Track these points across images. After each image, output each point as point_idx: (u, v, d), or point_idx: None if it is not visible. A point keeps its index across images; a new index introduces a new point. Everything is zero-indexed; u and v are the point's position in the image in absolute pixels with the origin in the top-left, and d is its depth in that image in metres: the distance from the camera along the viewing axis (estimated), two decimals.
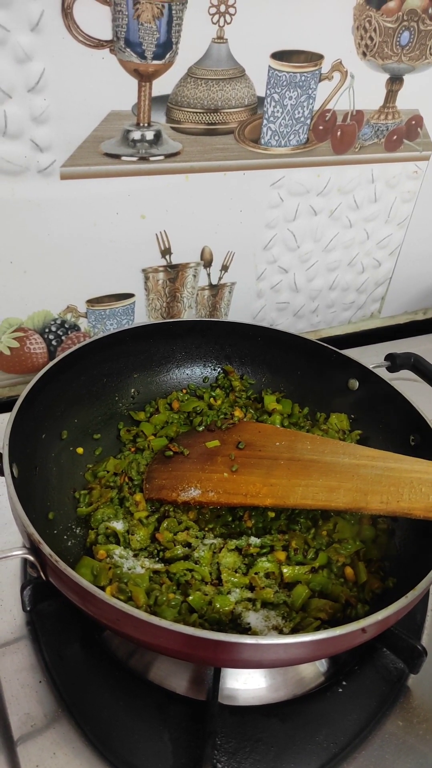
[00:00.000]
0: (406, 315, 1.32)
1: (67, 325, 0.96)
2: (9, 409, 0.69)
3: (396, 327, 1.32)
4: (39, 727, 0.60)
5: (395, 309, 1.29)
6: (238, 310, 1.09)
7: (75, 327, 0.97)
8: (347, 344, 1.22)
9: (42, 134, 0.77)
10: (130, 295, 0.98)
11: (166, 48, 0.77)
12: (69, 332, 0.97)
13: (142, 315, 1.01)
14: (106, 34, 0.74)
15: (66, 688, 0.62)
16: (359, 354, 1.16)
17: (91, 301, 0.95)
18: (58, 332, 0.96)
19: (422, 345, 1.25)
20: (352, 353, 0.87)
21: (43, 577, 0.57)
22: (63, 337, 0.96)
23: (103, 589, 0.60)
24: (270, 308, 1.13)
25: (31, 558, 0.56)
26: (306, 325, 1.20)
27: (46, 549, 0.53)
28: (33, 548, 0.55)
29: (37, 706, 0.61)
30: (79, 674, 0.63)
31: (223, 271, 1.03)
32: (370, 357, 0.98)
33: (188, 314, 1.05)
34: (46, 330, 0.94)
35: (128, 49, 0.75)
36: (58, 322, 0.94)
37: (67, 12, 0.70)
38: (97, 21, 0.72)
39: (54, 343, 0.96)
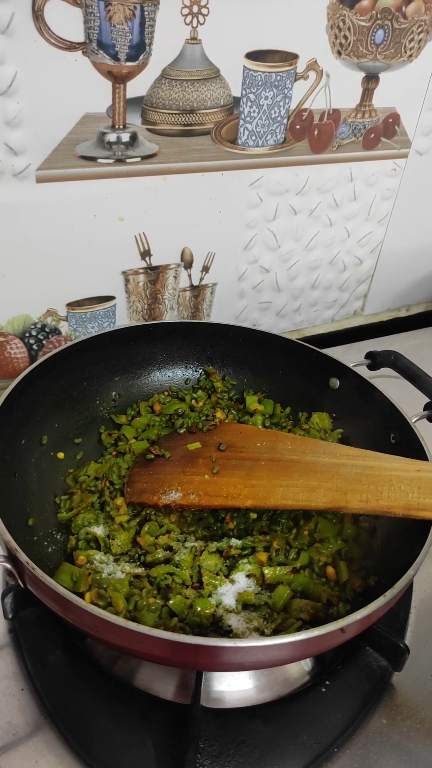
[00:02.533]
0: (389, 312, 1.33)
1: (47, 329, 0.95)
2: None
3: (379, 324, 1.32)
4: (21, 736, 0.59)
5: (378, 306, 1.30)
6: (220, 311, 1.09)
7: (56, 331, 0.96)
8: (331, 343, 1.23)
9: (16, 138, 0.76)
10: (111, 298, 0.97)
11: (140, 49, 0.77)
12: (50, 336, 0.96)
13: (123, 317, 1.00)
14: (79, 36, 0.73)
15: (48, 696, 0.62)
16: (343, 352, 1.17)
17: (72, 305, 0.95)
18: (39, 336, 0.95)
19: (405, 342, 1.25)
20: (336, 352, 0.87)
21: (21, 585, 0.56)
22: (44, 341, 0.96)
23: (81, 595, 0.59)
24: (252, 308, 1.12)
25: (8, 566, 0.55)
26: (289, 324, 1.20)
27: (23, 557, 0.53)
28: (10, 556, 0.55)
29: (19, 715, 0.61)
30: (61, 681, 0.63)
31: (204, 272, 1.03)
32: (354, 355, 0.98)
33: (170, 316, 1.05)
34: (27, 334, 0.94)
35: (101, 51, 0.75)
36: (39, 326, 0.94)
37: (37, 14, 0.70)
38: (69, 23, 0.72)
39: (35, 347, 0.96)
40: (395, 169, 1.08)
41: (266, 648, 0.50)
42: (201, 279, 1.03)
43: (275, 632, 0.61)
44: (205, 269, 1.02)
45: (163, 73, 0.80)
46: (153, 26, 0.76)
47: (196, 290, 1.04)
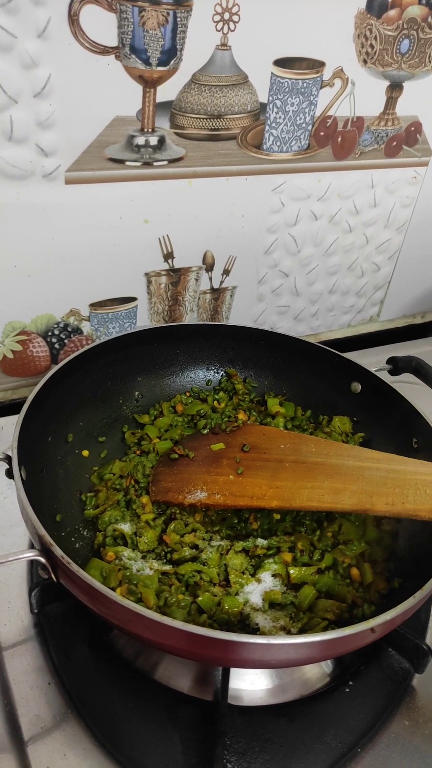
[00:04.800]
0: (404, 318, 1.34)
1: (69, 329, 0.96)
2: (11, 412, 0.70)
3: (394, 330, 1.33)
4: (49, 728, 0.60)
5: (394, 313, 1.30)
6: (239, 314, 1.10)
7: (78, 330, 0.97)
8: (346, 347, 1.23)
9: (47, 139, 0.77)
10: (133, 299, 0.98)
11: (171, 55, 0.78)
12: (71, 336, 0.97)
13: (144, 318, 1.01)
14: (112, 40, 0.74)
15: (75, 690, 0.62)
16: (359, 357, 1.16)
17: (94, 305, 0.96)
18: (61, 336, 0.96)
19: (421, 348, 1.26)
20: (352, 356, 0.88)
21: (54, 579, 0.57)
22: (66, 341, 0.97)
23: (113, 590, 0.60)
24: (270, 312, 1.13)
25: (42, 560, 0.56)
26: (306, 328, 1.21)
27: (57, 551, 0.54)
28: (44, 550, 0.56)
29: (46, 708, 0.61)
30: (87, 675, 0.63)
31: (224, 275, 1.04)
32: (370, 360, 0.99)
33: (190, 318, 1.06)
34: (49, 333, 0.95)
35: (133, 56, 0.76)
36: (61, 325, 0.95)
37: (73, 19, 0.71)
38: (103, 28, 0.73)
39: (57, 346, 0.97)
40: (416, 177, 1.09)
41: (298, 646, 0.50)
42: (221, 282, 1.04)
43: (301, 631, 0.62)
44: (226, 272, 1.03)
45: (192, 78, 0.81)
46: (185, 32, 0.77)
47: (216, 293, 1.05)
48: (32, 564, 0.74)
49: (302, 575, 0.66)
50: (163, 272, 0.98)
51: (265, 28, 0.82)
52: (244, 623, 0.62)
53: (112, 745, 0.58)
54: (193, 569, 0.65)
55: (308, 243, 1.07)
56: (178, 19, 0.76)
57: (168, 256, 0.96)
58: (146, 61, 0.77)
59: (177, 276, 0.99)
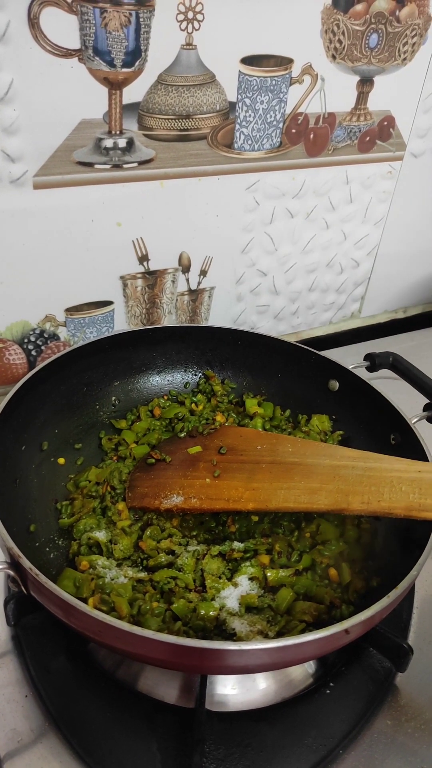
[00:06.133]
0: (386, 314, 1.33)
1: (46, 335, 0.95)
2: None
3: (377, 326, 1.32)
4: (26, 743, 0.59)
5: (375, 308, 1.30)
6: (218, 315, 1.09)
7: (54, 336, 0.96)
8: (329, 345, 1.23)
9: (13, 145, 0.76)
10: (109, 303, 0.97)
11: (135, 56, 0.77)
12: (48, 342, 0.96)
13: (121, 322, 1.01)
14: (74, 43, 0.73)
15: (53, 702, 0.62)
16: (341, 354, 1.17)
17: (70, 310, 0.95)
18: (38, 342, 0.95)
19: (403, 343, 1.26)
20: (334, 354, 0.88)
21: (25, 592, 0.56)
22: (42, 347, 0.96)
23: (85, 600, 0.60)
24: (250, 311, 1.13)
25: (11, 572, 0.55)
26: (287, 327, 1.20)
27: (26, 563, 0.53)
28: (13, 562, 0.55)
29: (23, 721, 0.61)
30: (65, 687, 0.63)
31: (201, 276, 1.03)
32: (352, 357, 0.99)
33: (168, 320, 1.05)
34: (25, 340, 0.94)
35: (97, 58, 0.75)
36: (37, 331, 0.94)
37: (33, 22, 0.70)
38: (65, 30, 0.72)
39: (33, 353, 0.96)
40: (391, 172, 1.09)
41: (271, 650, 0.50)
42: (199, 283, 1.04)
43: (279, 635, 0.61)
44: (203, 273, 1.03)
45: (159, 78, 0.81)
46: (148, 32, 0.77)
47: (194, 294, 1.05)
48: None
49: (280, 577, 0.65)
50: (139, 275, 0.97)
51: (230, 26, 0.81)
52: (220, 629, 0.62)
53: (91, 757, 0.58)
54: (168, 575, 0.64)
55: (285, 241, 1.07)
56: (141, 20, 0.75)
57: (143, 258, 0.96)
58: (110, 63, 0.76)
59: (153, 278, 0.99)
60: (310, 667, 0.67)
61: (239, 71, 0.85)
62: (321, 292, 1.19)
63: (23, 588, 0.56)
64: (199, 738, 0.56)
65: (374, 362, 0.93)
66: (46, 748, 0.59)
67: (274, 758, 0.58)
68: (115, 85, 0.79)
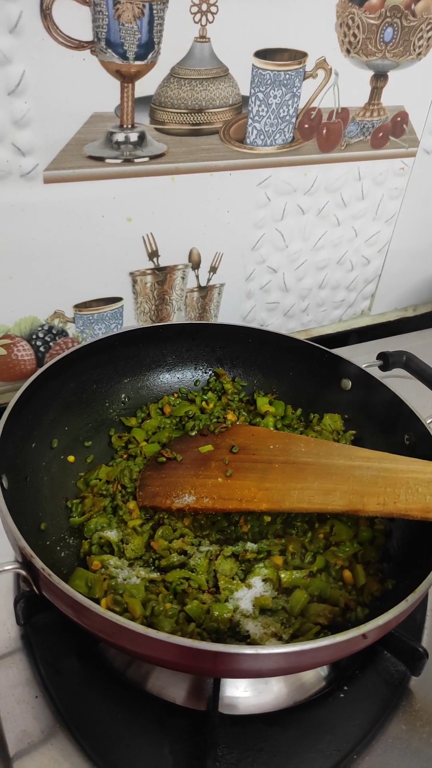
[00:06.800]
0: (396, 312, 1.32)
1: (54, 331, 0.94)
2: None
3: (387, 324, 1.31)
4: (36, 744, 0.58)
5: (385, 306, 1.29)
6: (227, 312, 1.08)
7: (63, 332, 0.95)
8: (338, 343, 1.22)
9: (24, 138, 0.75)
10: (119, 299, 0.97)
11: (148, 48, 0.76)
12: (57, 338, 0.95)
13: (130, 319, 1.00)
14: (87, 35, 0.72)
15: (63, 703, 0.61)
16: (351, 352, 1.16)
17: (79, 306, 0.94)
18: (46, 338, 0.94)
19: (413, 342, 1.25)
20: (344, 352, 0.86)
21: (36, 591, 0.55)
22: (51, 343, 0.95)
23: (97, 601, 0.59)
24: (260, 308, 1.12)
25: (23, 572, 0.54)
26: (296, 324, 1.19)
27: (38, 563, 0.52)
28: (25, 562, 0.54)
29: (33, 722, 0.60)
30: (75, 687, 0.62)
31: (211, 273, 1.02)
32: (362, 355, 0.97)
33: (177, 317, 1.04)
34: (34, 336, 0.93)
35: (109, 50, 0.74)
36: (46, 328, 0.93)
37: (45, 13, 0.69)
38: (77, 22, 0.71)
39: (42, 349, 0.95)
40: (403, 168, 1.07)
41: (287, 655, 0.49)
42: (209, 280, 1.03)
43: (293, 637, 0.60)
44: (213, 270, 1.02)
45: (171, 71, 0.80)
46: (162, 24, 0.76)
47: (204, 291, 1.04)
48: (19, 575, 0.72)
49: (293, 579, 0.64)
50: (149, 271, 0.96)
51: (244, 19, 0.80)
52: (234, 631, 0.61)
53: (101, 758, 0.57)
54: (181, 576, 0.63)
55: (296, 238, 1.05)
56: (155, 12, 0.74)
57: (153, 254, 0.95)
58: (123, 56, 0.75)
59: (163, 275, 0.98)
60: (323, 670, 0.66)
61: (253, 65, 0.84)
62: (331, 290, 1.18)
63: (35, 588, 0.55)
64: (213, 741, 0.55)
65: (387, 361, 0.92)
66: (56, 749, 0.58)
67: (287, 763, 0.57)
68: (127, 78, 0.77)
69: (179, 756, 0.57)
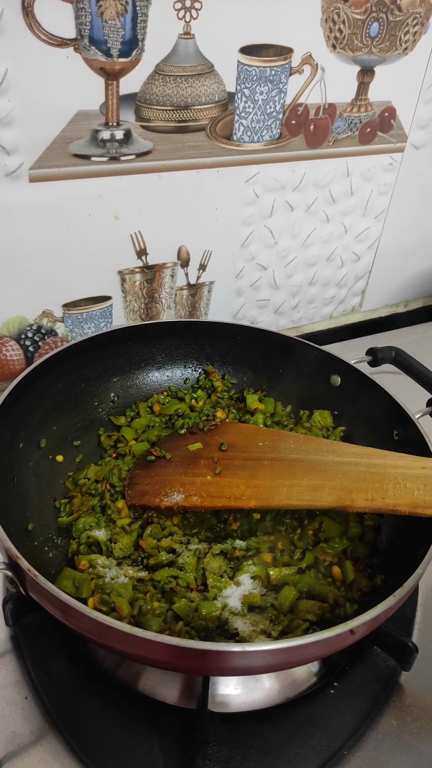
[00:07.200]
0: (387, 308, 1.32)
1: (43, 331, 0.94)
2: None
3: (378, 320, 1.31)
4: (26, 745, 0.58)
5: (376, 302, 1.29)
6: (218, 309, 1.08)
7: (52, 332, 0.95)
8: (330, 339, 1.22)
9: (8, 137, 0.75)
10: (107, 298, 0.96)
11: (132, 45, 0.76)
12: (46, 337, 0.95)
13: (120, 317, 0.99)
14: (70, 32, 0.72)
15: (53, 703, 0.61)
16: (342, 349, 1.16)
17: (68, 305, 0.93)
18: (35, 338, 0.94)
19: (405, 337, 1.25)
20: (335, 348, 0.86)
21: (23, 592, 0.55)
22: (40, 343, 0.95)
23: (84, 601, 0.59)
24: (250, 306, 1.11)
25: (9, 573, 0.54)
26: (287, 321, 1.19)
27: (24, 563, 0.52)
28: (11, 563, 0.54)
29: (23, 723, 0.60)
30: (65, 688, 0.62)
31: (200, 270, 1.02)
32: (353, 351, 0.97)
33: (167, 315, 1.04)
34: (22, 336, 0.93)
35: (93, 47, 0.74)
36: (34, 327, 0.93)
37: (27, 10, 0.69)
38: (60, 19, 0.71)
39: (31, 349, 0.95)
40: (392, 164, 1.07)
41: (274, 652, 0.49)
42: (198, 277, 1.02)
43: (282, 634, 0.60)
44: (202, 267, 1.01)
45: (156, 68, 0.79)
46: (145, 21, 0.75)
47: (194, 289, 1.03)
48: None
49: (282, 576, 0.64)
50: (137, 269, 0.96)
51: (229, 15, 0.79)
52: (223, 629, 0.61)
53: (91, 759, 0.57)
54: (169, 575, 0.63)
55: (285, 234, 1.05)
56: (138, 8, 0.74)
57: (141, 252, 0.94)
58: (107, 53, 0.75)
59: (152, 273, 0.97)
60: (313, 666, 0.66)
61: (238, 61, 0.83)
62: (321, 286, 1.17)
63: (22, 589, 0.55)
64: (202, 740, 0.55)
65: (376, 357, 0.91)
66: (46, 750, 0.58)
67: (278, 760, 0.57)
68: (111, 76, 0.77)
69: (169, 755, 0.56)
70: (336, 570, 0.66)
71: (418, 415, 0.75)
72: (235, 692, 0.63)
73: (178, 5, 0.76)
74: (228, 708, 0.62)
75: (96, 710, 0.60)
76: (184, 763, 0.55)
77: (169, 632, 0.58)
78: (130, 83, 0.79)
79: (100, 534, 0.68)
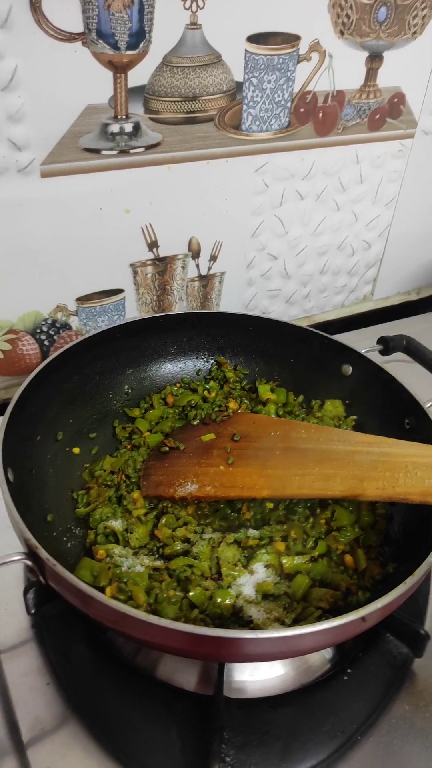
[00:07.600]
0: (399, 296, 1.32)
1: (58, 325, 0.95)
2: (1, 413, 0.69)
3: (390, 308, 1.31)
4: (48, 730, 0.60)
5: (388, 290, 1.28)
6: (229, 300, 1.09)
7: (66, 326, 0.96)
8: (342, 328, 1.22)
9: (19, 133, 0.76)
10: (120, 291, 0.97)
11: (139, 37, 0.76)
12: (60, 331, 0.96)
13: (132, 310, 1.00)
14: (77, 26, 0.72)
15: (73, 689, 0.62)
16: (354, 338, 1.16)
17: (81, 299, 0.94)
18: (50, 332, 0.95)
19: (417, 325, 1.24)
20: (347, 337, 0.86)
21: (43, 581, 0.56)
22: (55, 337, 0.96)
23: (102, 590, 0.60)
24: (261, 296, 1.12)
25: (29, 563, 0.55)
26: (299, 311, 1.19)
27: (43, 553, 0.53)
28: (31, 553, 0.55)
29: (45, 709, 0.61)
30: (85, 675, 0.63)
31: (211, 261, 1.02)
32: (365, 340, 0.97)
33: (179, 307, 1.04)
34: (38, 330, 0.94)
35: (101, 41, 0.74)
36: (49, 321, 0.94)
37: (35, 6, 0.69)
38: (67, 14, 0.71)
39: (46, 343, 0.96)
40: (401, 150, 1.06)
41: (288, 639, 0.50)
42: (209, 268, 1.03)
43: (295, 622, 0.61)
44: (213, 258, 1.02)
45: (164, 60, 0.79)
46: (152, 13, 0.75)
47: (205, 280, 1.04)
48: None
49: (295, 564, 0.65)
50: (149, 262, 0.96)
51: (235, 4, 0.79)
52: (237, 616, 0.62)
53: (112, 743, 0.58)
54: (185, 564, 0.64)
55: (295, 223, 1.05)
56: (144, 0, 0.74)
57: (152, 245, 0.95)
58: (114, 46, 0.75)
59: (163, 265, 0.98)
60: (327, 653, 0.67)
61: (245, 50, 0.83)
62: (332, 275, 1.17)
63: (41, 578, 0.56)
64: (218, 726, 0.57)
65: (387, 345, 0.91)
66: (68, 734, 0.60)
67: (292, 745, 0.58)
68: (119, 69, 0.77)
69: (186, 740, 0.58)
70: (348, 558, 0.67)
71: (429, 404, 0.76)
72: (250, 679, 0.64)
73: None
74: (244, 694, 0.63)
75: (115, 696, 0.62)
76: (201, 748, 0.57)
77: (185, 620, 0.59)
78: (138, 76, 0.79)
79: (117, 524, 0.69)
